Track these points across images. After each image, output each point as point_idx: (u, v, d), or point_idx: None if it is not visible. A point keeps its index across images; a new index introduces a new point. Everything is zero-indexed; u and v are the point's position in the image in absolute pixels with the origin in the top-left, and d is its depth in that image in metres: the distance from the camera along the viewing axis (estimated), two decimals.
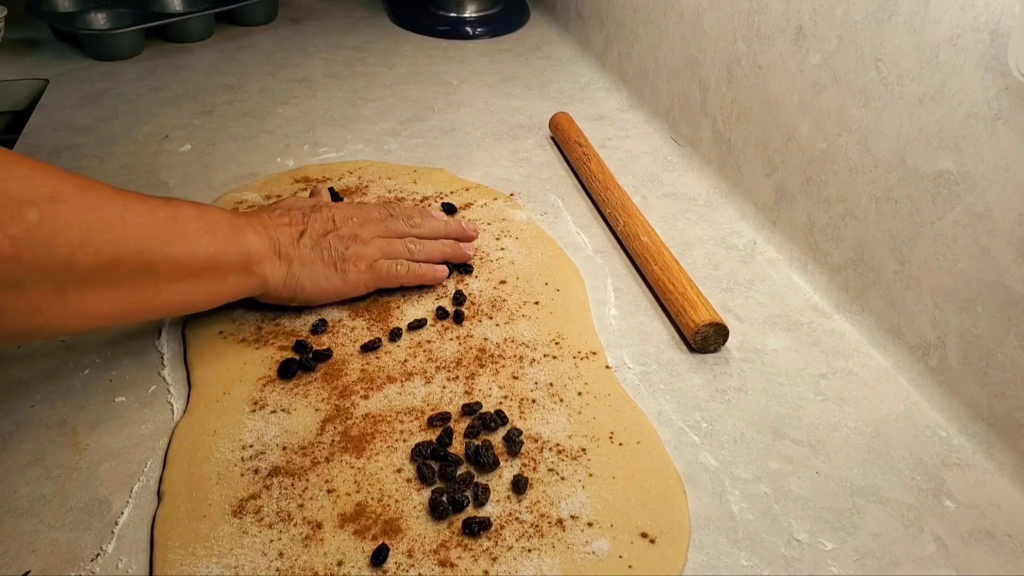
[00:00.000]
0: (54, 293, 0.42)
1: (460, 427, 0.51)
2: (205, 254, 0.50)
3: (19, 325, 0.42)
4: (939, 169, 0.53)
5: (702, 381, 0.56)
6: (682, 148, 0.85)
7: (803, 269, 0.67)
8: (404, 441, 0.50)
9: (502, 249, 0.68)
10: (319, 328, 0.58)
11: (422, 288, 0.63)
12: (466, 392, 0.54)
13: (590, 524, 0.45)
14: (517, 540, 0.44)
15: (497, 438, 0.50)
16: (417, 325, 0.59)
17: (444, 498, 0.45)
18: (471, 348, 0.57)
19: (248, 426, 0.51)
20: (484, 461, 0.48)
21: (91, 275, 0.43)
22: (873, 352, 0.59)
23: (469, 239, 0.67)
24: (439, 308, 0.61)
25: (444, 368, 0.56)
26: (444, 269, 0.63)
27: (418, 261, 0.62)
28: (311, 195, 0.68)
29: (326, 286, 0.58)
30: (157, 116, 0.90)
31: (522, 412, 0.52)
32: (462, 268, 0.66)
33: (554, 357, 0.57)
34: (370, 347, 0.57)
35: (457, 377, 0.55)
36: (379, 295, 0.62)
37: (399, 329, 0.58)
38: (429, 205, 0.74)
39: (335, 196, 0.73)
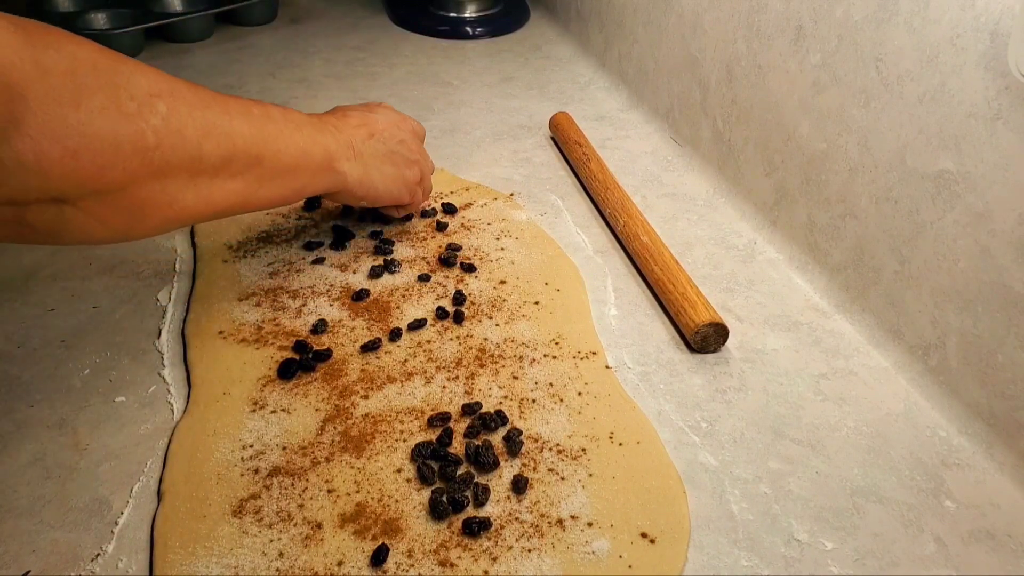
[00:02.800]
0: (187, 184, 0.45)
1: (460, 427, 0.51)
2: (296, 150, 0.53)
3: (159, 217, 0.45)
4: (939, 169, 0.53)
5: (702, 381, 0.56)
6: (682, 148, 0.85)
7: (803, 269, 0.67)
8: (404, 441, 0.50)
9: (502, 249, 0.68)
10: (319, 328, 0.58)
11: (422, 287, 0.63)
12: (466, 392, 0.54)
13: (590, 524, 0.45)
14: (517, 540, 0.44)
15: (497, 438, 0.50)
16: (417, 325, 0.59)
17: (444, 498, 0.45)
18: (471, 348, 0.57)
19: (248, 426, 0.51)
20: (484, 461, 0.48)
21: (214, 166, 0.46)
22: (873, 352, 0.59)
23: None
24: (439, 308, 0.61)
25: (444, 368, 0.56)
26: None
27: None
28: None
29: (392, 188, 0.63)
30: None
31: (522, 412, 0.52)
32: (464, 267, 0.66)
33: (554, 357, 0.57)
34: (370, 347, 0.57)
35: (457, 377, 0.55)
36: (379, 295, 0.62)
37: (399, 329, 0.58)
38: (429, 205, 0.74)
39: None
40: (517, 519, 0.45)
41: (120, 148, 0.40)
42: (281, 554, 0.43)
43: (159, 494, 0.46)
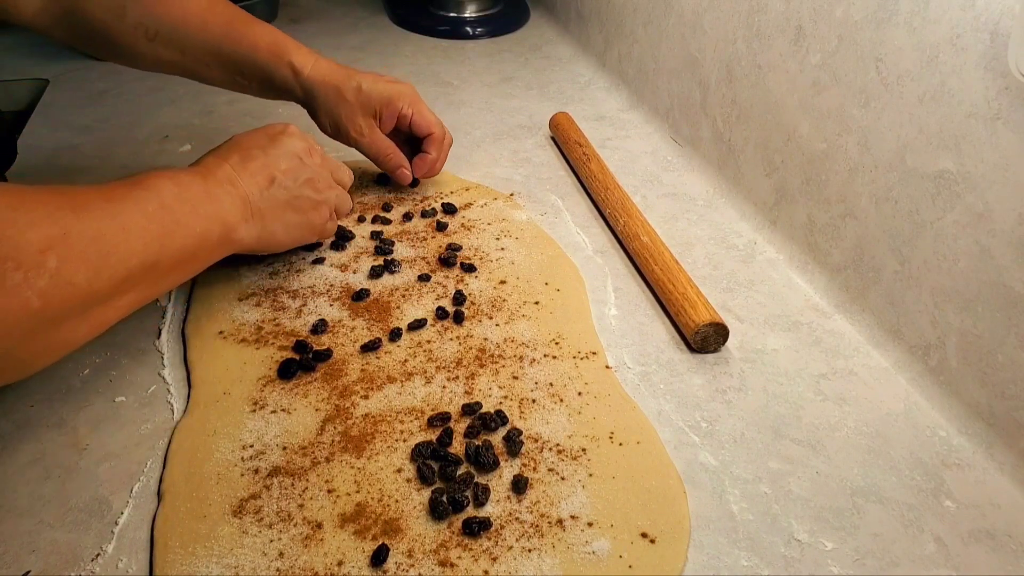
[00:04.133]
0: (79, 321, 0.43)
1: (460, 427, 0.51)
2: (194, 239, 0.50)
3: (50, 358, 0.43)
4: (939, 169, 0.53)
5: (702, 381, 0.56)
6: (682, 148, 0.85)
7: (803, 269, 0.67)
8: (404, 441, 0.50)
9: (502, 249, 0.68)
10: (319, 328, 0.58)
11: (422, 287, 0.63)
12: (466, 392, 0.54)
13: (590, 524, 0.45)
14: (517, 540, 0.44)
15: (497, 438, 0.50)
16: (417, 325, 0.59)
17: (444, 498, 0.45)
18: (471, 348, 0.57)
19: (248, 426, 0.51)
20: (484, 461, 0.48)
21: (107, 294, 0.44)
22: (873, 352, 0.59)
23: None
24: (439, 308, 0.61)
25: (444, 368, 0.56)
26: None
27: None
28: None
29: (297, 234, 0.61)
30: (157, 116, 0.90)
31: (522, 412, 0.52)
32: (463, 267, 0.66)
33: (554, 357, 0.57)
34: (370, 347, 0.57)
35: (457, 377, 0.55)
36: (379, 295, 0.62)
37: (399, 329, 0.58)
38: (429, 205, 0.74)
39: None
40: (517, 519, 0.45)
41: (1, 324, 0.38)
42: (281, 554, 0.43)
43: (159, 494, 0.46)
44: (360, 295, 0.62)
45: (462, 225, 0.72)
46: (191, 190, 0.51)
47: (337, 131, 0.71)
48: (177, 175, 0.52)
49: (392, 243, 0.68)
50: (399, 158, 0.73)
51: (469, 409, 0.52)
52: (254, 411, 0.52)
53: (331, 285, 0.63)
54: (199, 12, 0.67)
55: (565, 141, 0.83)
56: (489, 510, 0.46)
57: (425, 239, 0.70)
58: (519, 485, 0.47)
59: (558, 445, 0.50)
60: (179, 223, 0.49)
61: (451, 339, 0.58)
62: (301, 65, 0.69)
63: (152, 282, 0.48)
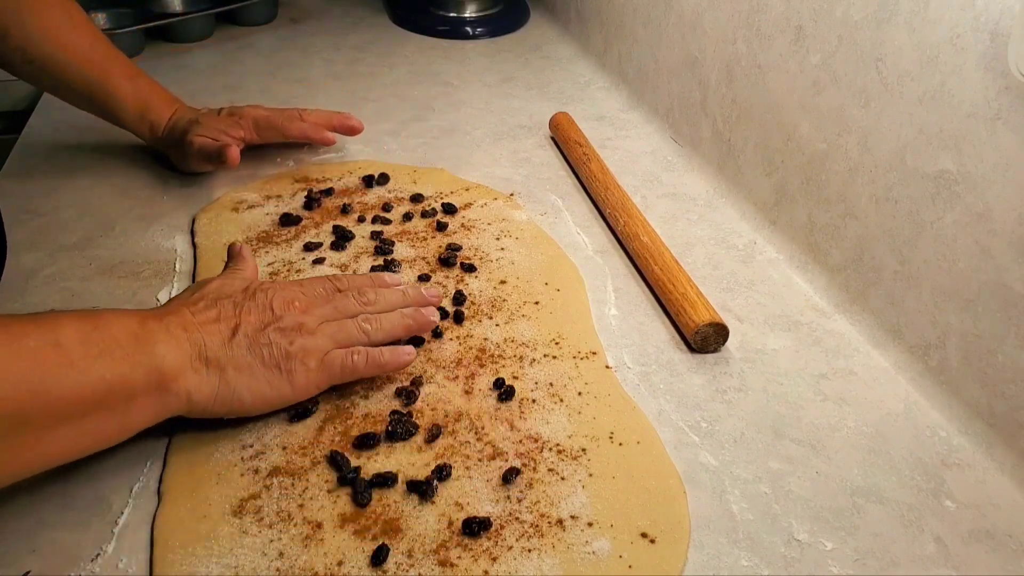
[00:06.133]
0: None
1: None
2: (96, 385, 0.41)
3: None
4: (939, 169, 0.53)
5: (702, 381, 0.56)
6: (682, 148, 0.85)
7: (803, 269, 0.67)
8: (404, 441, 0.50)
9: (502, 249, 0.68)
10: None
11: (422, 288, 0.63)
12: (466, 392, 0.54)
13: (590, 524, 0.45)
14: (517, 540, 0.44)
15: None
16: None
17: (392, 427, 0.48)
18: (471, 348, 0.57)
19: (248, 426, 0.51)
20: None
21: None
22: (873, 352, 0.59)
23: (431, 305, 0.57)
24: (439, 308, 0.61)
25: (444, 368, 0.56)
26: (410, 351, 0.53)
27: (376, 343, 0.53)
28: (233, 259, 0.57)
29: (270, 394, 0.49)
30: None
31: (522, 412, 0.52)
32: (464, 267, 0.66)
33: (554, 357, 0.57)
34: None
35: (457, 377, 0.55)
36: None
37: None
38: (429, 205, 0.74)
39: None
40: (517, 519, 0.45)
41: None
42: (281, 554, 0.43)
43: (159, 494, 0.46)
44: None
45: (462, 225, 0.72)
46: (108, 331, 0.43)
47: (199, 159, 0.74)
48: (98, 316, 0.44)
49: (392, 243, 0.68)
50: (223, 144, 0.72)
51: None
52: None
53: None
54: (78, 52, 0.70)
55: (565, 141, 0.83)
56: (489, 510, 0.46)
57: (425, 239, 0.70)
58: (508, 476, 0.47)
59: (558, 445, 0.50)
60: (71, 366, 0.40)
61: (451, 339, 0.58)
62: (156, 128, 0.75)
63: (20, 437, 0.39)
